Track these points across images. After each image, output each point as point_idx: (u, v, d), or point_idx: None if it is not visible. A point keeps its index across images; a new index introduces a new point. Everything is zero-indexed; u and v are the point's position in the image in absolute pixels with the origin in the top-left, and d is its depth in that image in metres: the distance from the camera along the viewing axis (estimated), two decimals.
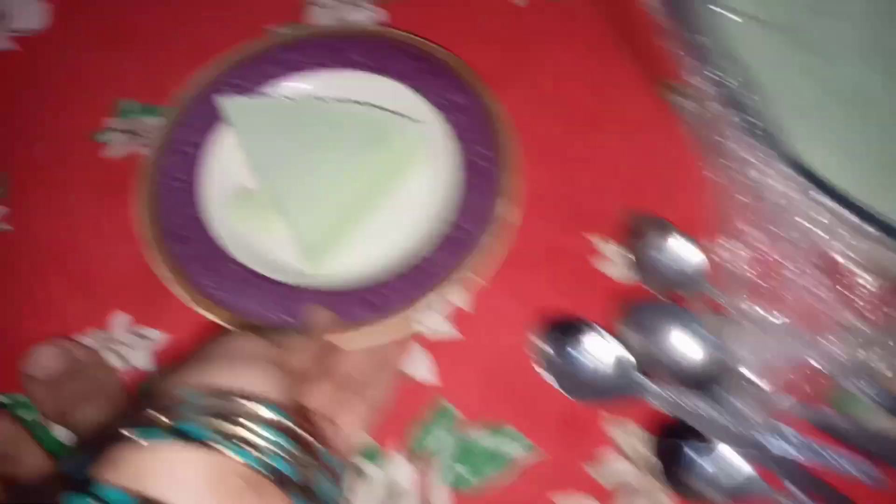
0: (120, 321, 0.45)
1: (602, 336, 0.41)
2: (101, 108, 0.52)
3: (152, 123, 0.51)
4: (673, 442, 0.38)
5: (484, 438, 0.40)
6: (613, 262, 0.45)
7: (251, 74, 0.49)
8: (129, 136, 0.51)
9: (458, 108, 0.47)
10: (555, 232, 0.45)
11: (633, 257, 0.44)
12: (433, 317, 0.42)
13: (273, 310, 0.42)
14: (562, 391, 0.40)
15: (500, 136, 0.46)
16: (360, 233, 0.45)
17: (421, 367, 0.42)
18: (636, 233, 0.44)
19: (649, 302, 0.42)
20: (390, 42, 0.50)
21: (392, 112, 0.47)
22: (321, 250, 0.44)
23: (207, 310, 0.42)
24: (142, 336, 0.44)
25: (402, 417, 0.41)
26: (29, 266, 0.47)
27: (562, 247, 0.45)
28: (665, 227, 0.43)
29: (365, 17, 0.54)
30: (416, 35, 0.50)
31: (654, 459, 0.39)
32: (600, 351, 0.40)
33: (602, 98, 0.50)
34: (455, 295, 0.42)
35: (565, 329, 0.41)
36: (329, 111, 0.47)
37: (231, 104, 0.46)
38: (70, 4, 0.56)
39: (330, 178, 0.43)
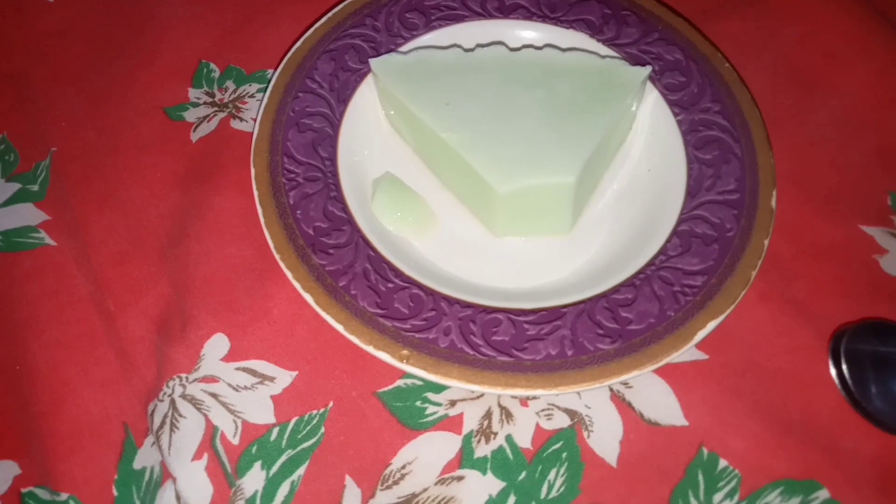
0: (217, 351, 0.32)
1: None
2: (179, 74, 0.40)
3: (246, 93, 0.39)
4: None
5: None
6: None
7: (385, 26, 0.37)
8: (216, 109, 0.39)
9: (672, 66, 0.36)
10: (821, 223, 0.35)
11: None
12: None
13: (465, 339, 0.30)
14: (879, 427, 0.30)
15: (733, 98, 0.35)
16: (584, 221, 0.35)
17: (661, 405, 0.31)
18: None
19: None
20: None
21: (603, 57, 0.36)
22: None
23: (370, 343, 0.30)
24: (255, 374, 0.32)
25: (649, 483, 0.29)
26: (83, 300, 0.34)
27: (833, 242, 0.34)
28: None
29: None
30: None
31: None
32: None
33: (833, 56, 0.39)
34: (714, 310, 0.31)
35: (865, 342, 0.31)
36: (523, 61, 0.35)
37: (386, 64, 0.35)
38: None
39: (547, 141, 0.32)
